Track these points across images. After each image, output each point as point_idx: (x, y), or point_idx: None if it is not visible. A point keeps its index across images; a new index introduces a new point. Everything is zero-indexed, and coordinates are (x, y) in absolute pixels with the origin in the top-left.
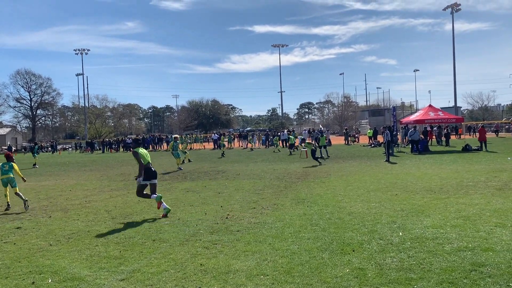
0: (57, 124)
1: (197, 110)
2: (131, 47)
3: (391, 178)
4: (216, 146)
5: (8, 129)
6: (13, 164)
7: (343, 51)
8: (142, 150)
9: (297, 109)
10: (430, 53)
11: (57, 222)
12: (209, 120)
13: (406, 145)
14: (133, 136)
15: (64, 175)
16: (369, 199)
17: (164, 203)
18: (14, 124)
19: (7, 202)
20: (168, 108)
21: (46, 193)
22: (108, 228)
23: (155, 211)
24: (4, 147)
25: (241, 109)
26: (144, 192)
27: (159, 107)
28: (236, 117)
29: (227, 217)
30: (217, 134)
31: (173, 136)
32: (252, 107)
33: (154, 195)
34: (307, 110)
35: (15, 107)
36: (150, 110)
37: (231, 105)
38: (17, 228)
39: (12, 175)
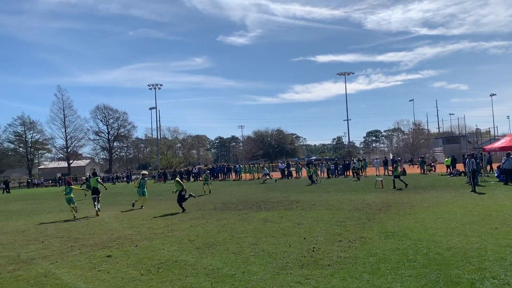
0: (131, 156)
1: (262, 140)
2: (199, 81)
3: (483, 209)
4: (284, 175)
5: (87, 161)
6: (72, 187)
7: (410, 77)
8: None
9: (364, 137)
10: (506, 76)
11: (144, 251)
12: (274, 149)
13: (489, 174)
14: (200, 166)
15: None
16: (465, 233)
17: None
18: (93, 156)
19: (74, 215)
20: (233, 139)
21: (129, 222)
22: (194, 258)
23: (238, 242)
24: (83, 177)
25: (305, 138)
26: None
27: (225, 138)
28: (301, 146)
29: (313, 250)
30: (284, 164)
31: (142, 172)
32: (316, 136)
33: None
34: (374, 138)
35: (94, 139)
36: (217, 141)
37: (295, 134)
38: (108, 256)
39: (72, 195)
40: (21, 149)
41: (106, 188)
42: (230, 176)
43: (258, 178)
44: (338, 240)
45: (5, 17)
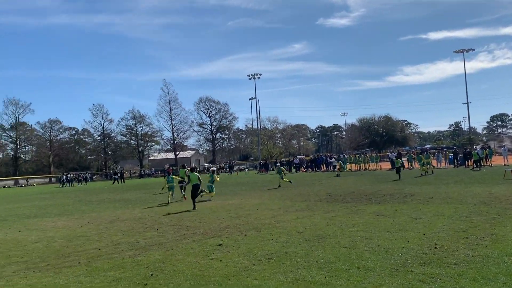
0: (232, 146)
1: (368, 128)
2: (299, 68)
3: None
4: (394, 166)
5: (192, 152)
6: (173, 176)
7: None
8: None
9: (487, 122)
10: None
11: (253, 241)
12: (382, 138)
13: None
14: (301, 157)
15: (246, 194)
16: None
17: None
18: (197, 147)
19: (168, 200)
20: (336, 127)
21: (235, 212)
22: (304, 251)
23: (349, 235)
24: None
25: (417, 125)
26: None
27: (326, 126)
28: (412, 133)
29: (435, 247)
30: (394, 153)
31: (211, 169)
32: (430, 122)
33: None
34: (500, 122)
35: (198, 131)
36: (318, 130)
37: (406, 120)
38: (219, 245)
39: (174, 184)
40: (132, 141)
41: (186, 182)
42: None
43: (365, 169)
44: (464, 237)
45: (114, 17)
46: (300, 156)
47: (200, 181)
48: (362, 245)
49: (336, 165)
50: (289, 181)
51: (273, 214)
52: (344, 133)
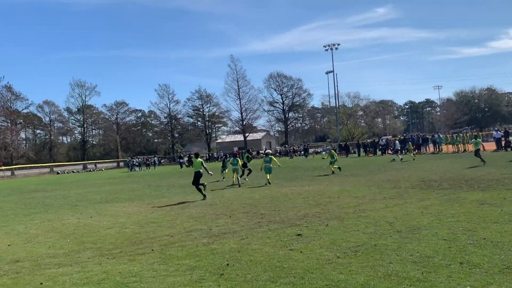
0: (307, 127)
1: (467, 102)
2: (382, 36)
3: None
4: (500, 147)
5: (263, 133)
6: (238, 159)
7: None
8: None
9: None
10: None
11: (336, 231)
12: (484, 114)
13: None
14: (388, 137)
15: (324, 180)
16: None
17: None
18: (268, 129)
19: (233, 181)
20: (428, 103)
21: (314, 199)
22: (396, 243)
23: (448, 227)
24: (261, 151)
25: None
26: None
27: (417, 102)
28: None
29: None
30: (500, 132)
31: (266, 151)
32: None
33: None
34: None
35: (268, 110)
36: (407, 106)
37: None
38: (298, 235)
39: (237, 167)
40: (199, 123)
41: (211, 174)
42: (427, 148)
43: (464, 150)
44: None
45: None
46: (386, 137)
47: (205, 168)
48: (465, 238)
49: (398, 149)
50: (338, 168)
51: (358, 202)
52: (438, 109)
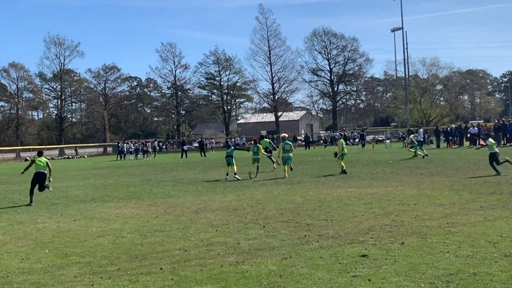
0: (363, 105)
1: None
2: None
3: None
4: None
5: (302, 113)
6: (259, 146)
7: None
8: None
9: None
10: None
11: (417, 252)
12: None
13: None
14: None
15: (393, 179)
16: None
17: None
18: (308, 106)
19: (254, 172)
20: None
21: (381, 206)
22: (504, 272)
23: None
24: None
25: None
26: None
27: None
28: None
29: None
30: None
31: (282, 135)
32: None
33: None
34: None
35: (310, 81)
36: (505, 79)
37: None
38: (363, 256)
39: (259, 156)
40: (214, 96)
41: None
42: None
43: None
44: None
45: None
46: (477, 121)
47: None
48: None
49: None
50: (425, 156)
51: (444, 212)
52: None
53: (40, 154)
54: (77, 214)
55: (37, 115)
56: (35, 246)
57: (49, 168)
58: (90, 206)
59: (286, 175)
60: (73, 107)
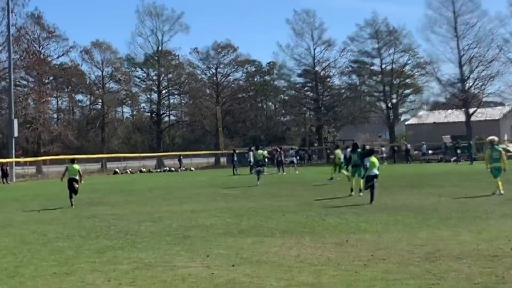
0: None
1: None
2: None
3: None
4: None
5: (505, 109)
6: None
7: None
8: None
9: None
10: None
11: None
12: None
13: None
14: None
15: None
16: None
17: None
18: None
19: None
20: None
21: None
22: None
23: None
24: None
25: None
26: None
27: None
28: None
29: None
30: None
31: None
32: None
33: None
34: None
35: None
36: None
37: None
38: None
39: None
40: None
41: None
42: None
43: None
44: None
45: None
46: None
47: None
48: None
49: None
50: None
51: None
52: None
53: (73, 161)
54: (231, 255)
55: (122, 112)
56: None
57: (80, 175)
58: (247, 243)
59: (502, 192)
60: (170, 101)
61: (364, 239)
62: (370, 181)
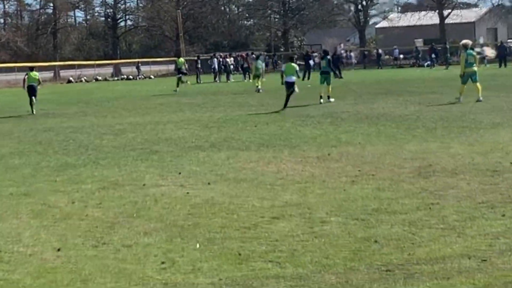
0: None
1: None
2: None
3: None
4: None
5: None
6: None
7: None
8: None
9: None
10: None
11: None
12: None
13: None
14: None
15: None
16: None
17: None
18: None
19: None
20: None
21: None
22: None
23: None
24: None
25: None
26: None
27: None
28: None
29: None
30: None
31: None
32: None
33: None
34: None
35: None
36: None
37: None
38: None
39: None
40: None
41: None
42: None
43: None
44: None
45: None
46: None
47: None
48: None
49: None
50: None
51: None
52: None
53: (31, 69)
54: (205, 172)
55: (74, 17)
56: (170, 234)
57: (40, 82)
58: (221, 158)
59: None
60: (129, 4)
61: (347, 152)
62: (290, 87)
